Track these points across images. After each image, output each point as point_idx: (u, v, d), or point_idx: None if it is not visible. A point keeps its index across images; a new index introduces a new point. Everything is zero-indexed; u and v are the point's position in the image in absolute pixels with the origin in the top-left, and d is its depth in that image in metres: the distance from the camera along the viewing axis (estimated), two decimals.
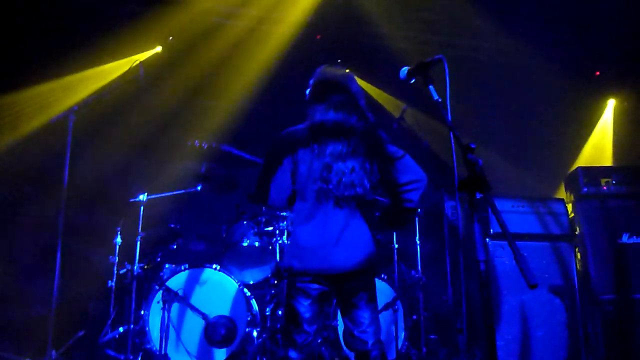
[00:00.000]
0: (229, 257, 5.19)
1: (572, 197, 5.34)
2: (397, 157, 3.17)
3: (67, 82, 5.97)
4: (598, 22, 6.22)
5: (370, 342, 3.10)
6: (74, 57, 5.82)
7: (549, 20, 6.31)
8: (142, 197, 4.90)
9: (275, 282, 4.92)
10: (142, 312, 4.61)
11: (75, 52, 5.77)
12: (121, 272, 4.91)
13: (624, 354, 4.77)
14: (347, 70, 3.37)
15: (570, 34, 6.53)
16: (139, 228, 4.86)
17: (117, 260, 4.92)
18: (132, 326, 4.63)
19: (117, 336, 4.74)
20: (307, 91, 3.32)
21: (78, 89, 5.89)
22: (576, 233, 5.10)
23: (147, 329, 4.53)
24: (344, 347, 4.39)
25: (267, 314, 4.78)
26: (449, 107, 2.75)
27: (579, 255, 5.06)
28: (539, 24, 6.33)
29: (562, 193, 5.61)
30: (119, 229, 5.00)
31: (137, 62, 5.34)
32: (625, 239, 5.00)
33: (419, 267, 5.26)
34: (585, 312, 4.83)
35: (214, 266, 4.78)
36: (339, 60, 6.71)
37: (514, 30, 6.37)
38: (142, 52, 6.06)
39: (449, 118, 2.73)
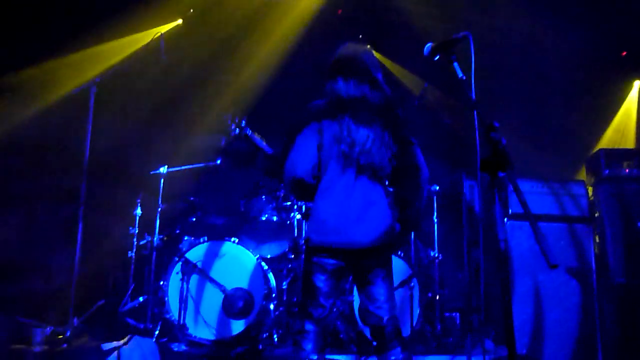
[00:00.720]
0: (247, 231, 5.25)
1: (593, 179, 5.29)
2: (410, 142, 3.21)
3: (89, 54, 5.99)
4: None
5: (385, 318, 3.13)
6: (95, 30, 5.84)
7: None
8: (163, 169, 4.95)
9: (293, 256, 4.96)
10: (162, 283, 4.69)
11: (96, 24, 5.79)
12: (141, 243, 4.99)
13: (639, 338, 4.77)
14: (368, 47, 3.37)
15: (595, 12, 6.39)
16: (159, 200, 4.91)
17: (137, 232, 5.00)
18: (151, 296, 4.71)
19: (137, 305, 4.84)
20: (328, 67, 3.33)
21: (99, 60, 5.91)
22: (595, 216, 5.06)
23: (166, 299, 4.61)
24: (359, 322, 4.47)
25: (284, 287, 4.84)
26: (473, 85, 2.73)
27: (597, 238, 5.03)
28: (563, 3, 6.22)
29: (583, 175, 5.56)
30: (139, 200, 5.07)
31: (158, 34, 5.33)
32: None
33: (436, 246, 5.27)
34: (602, 295, 4.81)
35: (233, 239, 4.83)
36: (360, 36, 6.71)
37: (537, 9, 6.27)
38: (163, 24, 6.06)
39: (473, 96, 2.71)
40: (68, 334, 4.18)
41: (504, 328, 2.43)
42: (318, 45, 6.17)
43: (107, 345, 3.89)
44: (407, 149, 3.20)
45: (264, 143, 4.44)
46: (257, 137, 4.58)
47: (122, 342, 3.92)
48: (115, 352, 3.86)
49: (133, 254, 4.97)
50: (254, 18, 6.43)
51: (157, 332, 4.49)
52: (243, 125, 4.01)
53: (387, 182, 3.19)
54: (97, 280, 5.49)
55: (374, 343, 3.20)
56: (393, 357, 3.12)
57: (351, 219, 3.04)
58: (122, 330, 4.60)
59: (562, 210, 4.90)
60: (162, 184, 4.94)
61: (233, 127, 3.91)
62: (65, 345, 4.06)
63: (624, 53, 7.03)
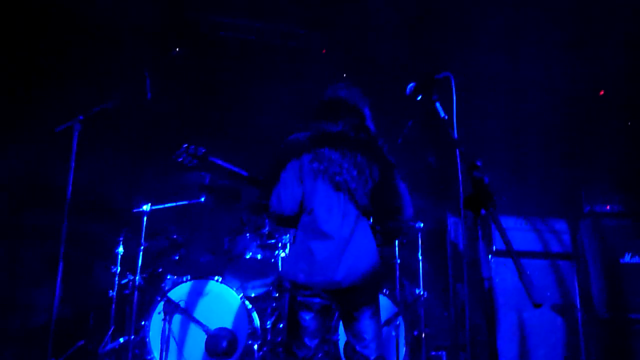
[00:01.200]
0: (231, 269, 5.20)
1: (574, 215, 5.34)
2: (394, 178, 3.24)
3: (73, 92, 6.00)
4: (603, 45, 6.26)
5: (372, 358, 3.10)
6: (80, 67, 5.87)
7: (555, 42, 6.34)
8: (146, 207, 4.91)
9: (277, 295, 4.92)
10: (143, 323, 4.60)
11: (82, 61, 5.82)
12: (122, 282, 4.92)
13: None
14: (355, 86, 3.44)
15: (573, 53, 6.55)
16: (141, 238, 4.86)
17: (118, 270, 4.92)
18: (132, 337, 4.62)
19: (117, 347, 4.73)
20: (316, 107, 3.38)
21: (84, 98, 5.91)
22: (578, 252, 5.09)
23: (147, 340, 4.51)
24: None
25: (268, 327, 4.77)
26: (455, 124, 2.78)
27: (580, 274, 5.05)
28: (545, 45, 6.37)
29: (565, 211, 5.60)
30: (121, 239, 5.00)
31: (144, 72, 5.37)
32: (627, 258, 4.99)
33: (421, 283, 5.25)
34: (587, 331, 4.80)
35: (216, 278, 4.77)
36: (344, 75, 6.80)
37: (519, 49, 6.41)
38: (149, 62, 6.08)
39: (455, 135, 2.75)
40: None
41: None
42: (303, 83, 6.25)
43: None
44: (391, 185, 3.22)
45: (235, 167, 4.20)
46: (223, 161, 4.30)
47: None
48: None
49: (114, 293, 4.88)
50: (240, 57, 6.52)
51: None
52: (200, 154, 3.75)
53: (371, 218, 3.19)
54: (77, 319, 5.40)
55: None
56: None
57: (335, 256, 3.03)
58: None
59: (545, 246, 4.93)
60: (144, 222, 4.88)
61: (189, 159, 3.71)
62: None
63: (602, 92, 7.17)
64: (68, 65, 5.83)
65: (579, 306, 4.81)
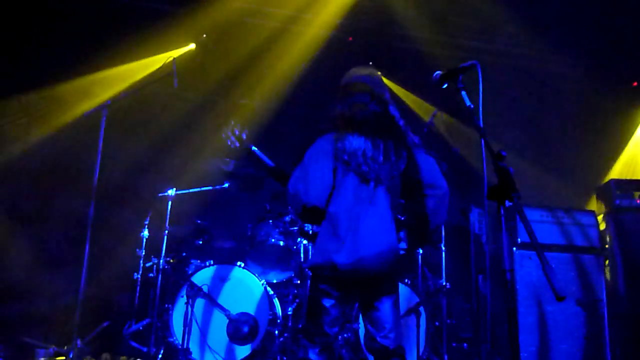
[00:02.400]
0: (254, 256, 5.23)
1: (603, 209, 5.25)
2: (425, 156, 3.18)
3: (101, 77, 6.07)
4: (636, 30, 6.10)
5: (391, 347, 3.09)
6: (108, 53, 5.92)
7: (586, 27, 6.20)
8: (171, 192, 4.96)
9: (299, 282, 4.93)
10: (166, 306, 4.67)
11: (109, 47, 5.87)
12: (147, 265, 4.98)
13: None
14: (377, 72, 3.40)
15: (606, 42, 6.41)
16: (166, 223, 4.91)
17: (143, 254, 4.98)
18: (156, 319, 4.68)
19: (140, 328, 4.81)
20: (338, 90, 3.36)
21: (112, 84, 5.98)
22: (606, 246, 5.01)
23: (170, 322, 4.59)
24: (365, 350, 4.41)
25: (289, 313, 4.79)
26: (481, 113, 2.73)
27: (607, 269, 4.96)
28: (574, 32, 6.24)
29: (592, 205, 5.52)
30: (146, 222, 5.06)
31: (171, 58, 5.39)
32: None
33: (444, 274, 5.22)
34: (612, 327, 4.72)
35: (239, 264, 4.81)
36: (370, 63, 6.73)
37: (548, 37, 6.29)
38: (176, 49, 6.12)
39: (481, 124, 2.71)
40: (71, 355, 4.15)
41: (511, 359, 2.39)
42: (328, 71, 6.21)
43: None
44: (418, 166, 3.17)
45: (267, 158, 4.16)
46: (259, 151, 4.26)
47: None
48: None
49: (139, 276, 4.95)
50: (265, 44, 6.50)
51: (160, 357, 4.46)
52: (244, 138, 3.72)
53: (400, 200, 3.14)
54: (103, 301, 5.49)
55: None
56: None
57: (357, 244, 3.01)
58: (126, 353, 4.57)
59: (572, 240, 4.84)
60: (169, 207, 4.93)
61: (233, 139, 3.66)
62: None
63: (635, 84, 7.01)
64: (97, 52, 5.88)
65: (605, 301, 4.72)
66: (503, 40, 6.55)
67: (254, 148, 3.55)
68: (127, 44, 5.91)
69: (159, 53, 6.18)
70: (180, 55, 6.02)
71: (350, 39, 6.69)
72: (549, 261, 4.72)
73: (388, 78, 6.81)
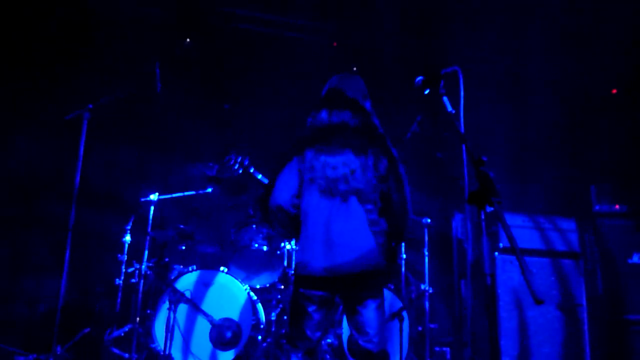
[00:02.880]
0: (237, 261, 5.21)
1: (583, 214, 5.32)
2: (398, 173, 3.22)
3: (84, 81, 6.03)
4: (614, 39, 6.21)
5: (374, 351, 3.10)
6: (91, 57, 5.89)
7: (563, 40, 6.32)
8: (153, 196, 4.93)
9: (282, 287, 4.93)
10: (149, 312, 4.64)
11: (92, 51, 5.84)
12: (129, 271, 4.94)
13: None
14: (360, 80, 3.43)
15: (587, 51, 6.51)
16: (148, 228, 4.88)
17: (125, 259, 4.94)
18: (137, 325, 4.65)
19: (122, 334, 4.76)
20: (319, 99, 3.39)
21: (94, 87, 5.94)
22: (586, 251, 5.07)
23: (152, 328, 4.55)
24: (348, 355, 4.42)
25: (273, 319, 4.79)
26: (462, 119, 2.76)
27: (587, 273, 5.03)
28: (554, 41, 6.34)
29: (573, 210, 5.58)
30: (128, 227, 5.03)
31: (154, 63, 5.38)
32: (636, 259, 4.97)
33: (427, 279, 5.25)
34: (593, 331, 4.78)
35: (222, 269, 4.80)
36: (355, 69, 6.78)
37: (529, 45, 6.39)
38: (160, 53, 6.10)
39: (462, 130, 2.73)
40: None
41: None
42: (312, 77, 6.24)
43: None
44: (394, 179, 3.21)
45: (262, 176, 4.39)
46: (258, 173, 4.49)
47: None
48: None
49: (121, 282, 4.91)
50: (251, 51, 6.52)
51: None
52: (246, 163, 3.98)
53: (372, 208, 3.17)
54: (83, 307, 5.44)
55: None
56: None
57: (334, 246, 3.03)
58: None
59: (552, 245, 4.91)
60: (152, 212, 4.91)
61: (236, 167, 3.91)
62: None
63: (614, 91, 7.12)
64: (78, 55, 5.86)
65: (585, 306, 4.79)
66: (485, 47, 6.63)
67: (252, 170, 3.75)
68: (109, 48, 5.89)
69: (142, 57, 6.15)
70: (164, 59, 6.00)
71: (335, 44, 6.73)
72: (530, 266, 4.77)
73: (371, 83, 6.86)
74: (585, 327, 4.74)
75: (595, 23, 6.08)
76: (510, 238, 2.39)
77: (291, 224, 3.21)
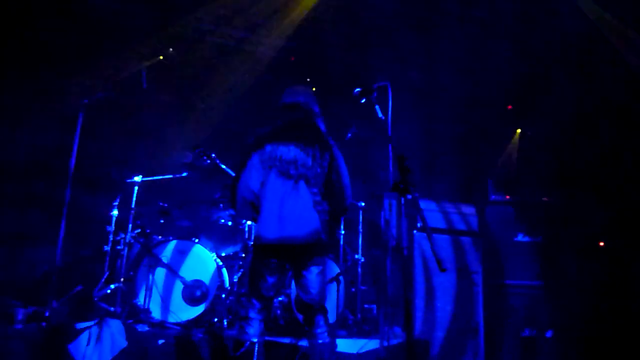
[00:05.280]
0: (207, 233, 5.19)
1: (483, 202, 5.51)
2: (337, 163, 3.28)
3: (81, 78, 5.84)
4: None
5: (315, 305, 3.17)
6: (87, 59, 5.71)
7: (476, 60, 6.51)
8: (137, 178, 4.85)
9: (243, 255, 4.93)
10: (131, 274, 4.57)
11: (89, 55, 5.67)
12: (116, 239, 4.84)
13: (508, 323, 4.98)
14: (309, 89, 3.46)
15: (489, 72, 6.73)
16: (132, 204, 4.80)
17: (113, 230, 4.83)
18: (122, 284, 4.57)
19: (108, 292, 4.67)
20: (277, 104, 3.42)
21: (90, 86, 5.76)
22: (483, 231, 5.25)
23: (134, 287, 4.49)
24: (295, 310, 4.47)
25: (235, 281, 4.79)
26: (389, 124, 2.84)
27: (484, 248, 5.21)
28: (463, 63, 6.55)
29: (474, 199, 5.77)
30: (115, 203, 4.91)
31: (142, 66, 5.27)
32: (519, 237, 5.19)
33: (360, 251, 5.35)
34: (486, 293, 4.96)
35: (194, 239, 4.77)
36: (308, 80, 6.81)
37: (442, 67, 6.57)
38: (147, 59, 5.97)
39: (390, 133, 2.81)
40: (47, 313, 3.99)
41: (406, 317, 2.52)
42: (271, 85, 6.25)
43: (81, 325, 3.74)
44: (336, 171, 3.27)
45: (228, 168, 4.46)
46: (222, 164, 4.58)
47: (93, 322, 3.77)
48: (87, 331, 3.72)
49: (108, 249, 4.80)
50: (222, 60, 6.45)
51: (124, 315, 4.36)
52: (213, 156, 4.05)
53: (317, 191, 3.22)
54: (77, 270, 5.30)
55: (306, 328, 3.22)
56: (320, 341, 3.16)
57: (286, 221, 3.08)
58: (95, 313, 4.43)
59: (457, 225, 5.03)
60: (136, 190, 4.82)
61: (204, 158, 3.94)
62: (44, 324, 3.89)
63: (510, 107, 7.39)
64: (75, 54, 5.66)
65: (480, 273, 4.97)
66: (412, 65, 6.76)
67: (218, 161, 3.79)
68: (106, 49, 5.73)
69: (131, 60, 5.99)
70: (151, 63, 5.87)
71: (293, 58, 6.72)
72: (439, 242, 4.93)
73: (321, 91, 6.90)
74: (480, 289, 4.92)
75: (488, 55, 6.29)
76: (423, 219, 2.49)
77: (252, 210, 3.23)
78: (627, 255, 5.10)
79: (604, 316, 5.02)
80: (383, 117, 2.85)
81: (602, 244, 5.56)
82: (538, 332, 4.94)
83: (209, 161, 3.93)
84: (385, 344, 3.85)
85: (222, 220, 5.11)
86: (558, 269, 5.13)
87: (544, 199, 5.34)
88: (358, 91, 3.01)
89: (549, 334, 4.93)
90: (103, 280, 4.64)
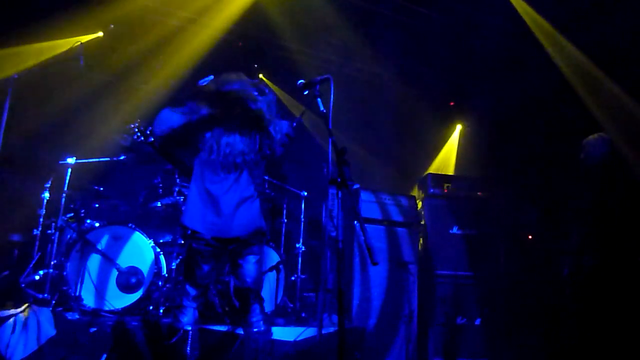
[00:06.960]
0: (145, 219, 5.07)
1: (421, 195, 5.66)
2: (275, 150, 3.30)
3: (11, 52, 5.50)
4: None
5: (251, 294, 3.19)
6: (21, 29, 5.38)
7: (422, 56, 6.67)
8: (71, 160, 4.66)
9: (182, 242, 4.86)
10: (62, 259, 4.40)
11: (22, 25, 5.34)
12: (47, 223, 4.64)
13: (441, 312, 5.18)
14: (244, 76, 3.40)
15: (431, 70, 6.93)
16: (64, 186, 4.61)
17: (43, 213, 4.63)
18: (51, 270, 4.40)
19: (37, 278, 4.48)
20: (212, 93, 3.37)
21: (20, 60, 5.44)
22: (421, 222, 5.42)
23: (65, 273, 4.34)
24: (234, 298, 4.46)
25: (173, 267, 4.71)
26: (330, 118, 2.87)
27: (421, 239, 5.38)
28: (408, 59, 6.70)
29: (415, 191, 5.94)
30: (47, 185, 4.70)
31: (78, 43, 5.03)
32: (454, 230, 5.40)
33: (301, 240, 5.40)
34: (421, 282, 5.12)
35: (130, 225, 4.64)
36: (255, 65, 6.73)
37: (387, 62, 6.69)
38: (85, 34, 5.70)
39: (330, 126, 2.84)
40: None
41: (339, 306, 2.58)
42: (220, 66, 6.11)
43: (4, 313, 3.57)
44: (275, 155, 3.29)
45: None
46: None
47: (19, 310, 3.61)
48: (12, 319, 3.55)
49: (38, 233, 4.60)
50: (165, 38, 6.26)
51: (53, 302, 4.20)
52: (148, 132, 3.85)
53: (259, 181, 3.24)
54: (4, 254, 5.05)
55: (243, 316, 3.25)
56: (255, 329, 3.19)
57: (223, 211, 3.07)
58: (22, 300, 4.24)
59: (398, 216, 5.14)
60: (69, 173, 4.63)
61: (138, 134, 3.75)
62: None
63: (452, 103, 7.63)
64: (8, 24, 5.32)
65: (415, 263, 5.12)
66: (355, 58, 6.83)
67: (151, 139, 3.63)
68: (37, 24, 5.40)
69: (68, 37, 5.70)
70: (89, 40, 5.61)
71: (240, 44, 6.62)
72: (379, 232, 5.01)
73: (269, 78, 6.87)
74: (415, 279, 5.08)
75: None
76: (357, 212, 2.57)
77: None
78: (552, 249, 5.42)
79: (530, 306, 5.33)
80: (324, 111, 2.87)
81: (530, 237, 5.89)
82: (468, 320, 5.18)
83: (142, 138, 3.74)
84: (323, 331, 3.92)
85: (161, 206, 4.99)
86: (489, 261, 5.38)
87: (479, 193, 5.56)
88: (301, 83, 3.01)
89: (477, 321, 5.18)
90: (31, 265, 4.45)
